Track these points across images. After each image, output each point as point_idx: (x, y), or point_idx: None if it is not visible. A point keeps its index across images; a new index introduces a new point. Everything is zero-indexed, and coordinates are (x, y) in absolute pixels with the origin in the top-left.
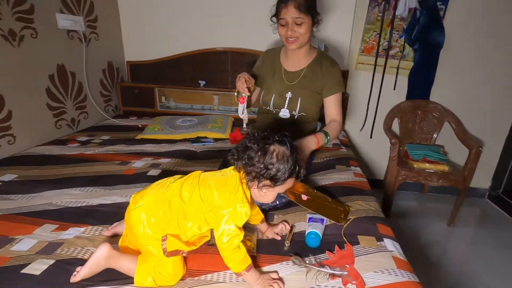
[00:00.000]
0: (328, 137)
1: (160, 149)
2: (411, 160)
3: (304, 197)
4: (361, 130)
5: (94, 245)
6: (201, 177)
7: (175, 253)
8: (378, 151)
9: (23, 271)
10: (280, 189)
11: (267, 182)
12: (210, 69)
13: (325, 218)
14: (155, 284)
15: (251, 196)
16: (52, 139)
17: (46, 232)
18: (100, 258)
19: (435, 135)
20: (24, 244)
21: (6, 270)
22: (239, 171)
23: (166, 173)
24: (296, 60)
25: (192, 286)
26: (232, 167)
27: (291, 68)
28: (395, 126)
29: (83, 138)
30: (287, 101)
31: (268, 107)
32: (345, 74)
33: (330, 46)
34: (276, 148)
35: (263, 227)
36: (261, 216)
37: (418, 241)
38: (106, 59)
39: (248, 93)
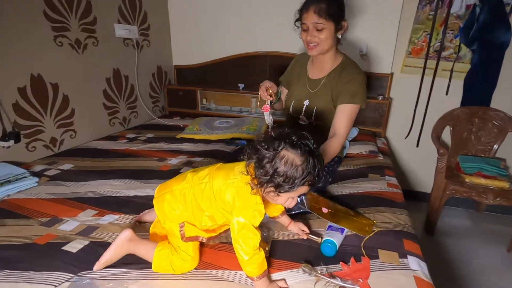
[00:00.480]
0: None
1: (195, 148)
2: (463, 174)
3: (325, 210)
4: (406, 138)
5: None
6: (215, 175)
7: (194, 238)
8: (425, 161)
9: (63, 247)
10: (291, 195)
11: (272, 189)
12: (250, 72)
13: (345, 229)
14: (172, 270)
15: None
16: (105, 135)
17: (87, 216)
18: (123, 240)
19: (495, 147)
20: (69, 225)
21: (51, 245)
22: (248, 173)
23: None
24: (320, 67)
25: (200, 278)
26: (243, 166)
27: (314, 75)
28: (446, 135)
29: (131, 135)
30: (303, 109)
31: (289, 111)
32: (386, 79)
33: (373, 48)
34: (286, 154)
35: (285, 220)
36: (280, 208)
37: (469, 265)
38: (156, 63)
39: (270, 99)
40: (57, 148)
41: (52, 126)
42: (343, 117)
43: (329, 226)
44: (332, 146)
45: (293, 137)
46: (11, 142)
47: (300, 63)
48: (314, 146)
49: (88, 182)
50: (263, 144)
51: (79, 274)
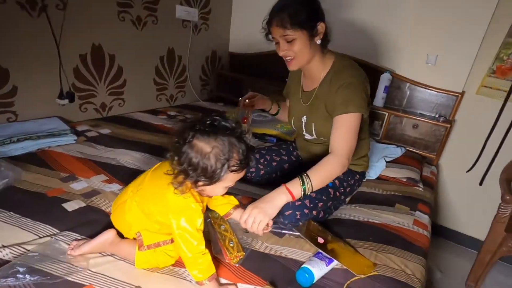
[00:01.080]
0: (305, 186)
1: None
2: None
3: (321, 240)
4: (468, 171)
5: None
6: (149, 178)
7: (156, 245)
8: (483, 204)
9: (63, 204)
10: (222, 184)
11: (200, 183)
12: None
13: (335, 261)
14: (157, 265)
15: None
16: (150, 108)
17: (97, 181)
18: (104, 242)
19: None
20: (79, 184)
21: (56, 200)
22: (173, 172)
23: None
24: (310, 78)
25: (167, 273)
26: (168, 167)
27: (307, 87)
28: None
29: (172, 113)
30: (303, 126)
31: (293, 128)
32: (453, 98)
33: (444, 58)
34: (195, 143)
35: (238, 215)
36: (231, 203)
37: None
38: (211, 47)
39: (250, 109)
40: (106, 113)
41: (104, 93)
42: (336, 131)
43: (318, 253)
44: (328, 165)
45: (205, 122)
46: (66, 101)
47: (294, 74)
48: (232, 125)
49: (114, 149)
50: (176, 138)
51: (61, 233)
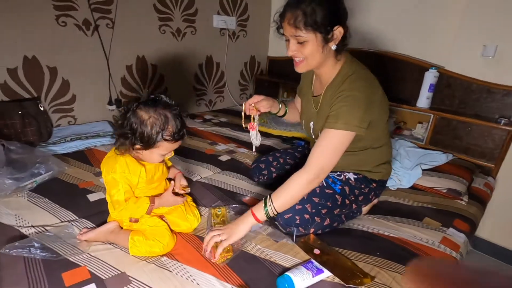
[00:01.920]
0: (267, 208)
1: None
2: None
3: (317, 251)
4: None
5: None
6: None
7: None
8: None
9: (88, 195)
10: (158, 151)
11: (138, 146)
12: None
13: (325, 271)
14: (149, 253)
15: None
16: (189, 113)
17: None
18: (106, 231)
19: None
20: None
21: (84, 191)
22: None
23: (231, 163)
24: (320, 82)
25: (159, 266)
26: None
27: (317, 91)
28: None
29: (208, 117)
30: (311, 131)
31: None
32: None
33: (506, 50)
34: (137, 112)
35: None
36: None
37: None
38: (250, 53)
39: (255, 113)
40: None
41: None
42: (316, 144)
43: (308, 262)
44: (293, 184)
45: (148, 96)
46: (114, 106)
47: (307, 75)
48: (172, 103)
49: None
50: (122, 108)
51: (78, 220)
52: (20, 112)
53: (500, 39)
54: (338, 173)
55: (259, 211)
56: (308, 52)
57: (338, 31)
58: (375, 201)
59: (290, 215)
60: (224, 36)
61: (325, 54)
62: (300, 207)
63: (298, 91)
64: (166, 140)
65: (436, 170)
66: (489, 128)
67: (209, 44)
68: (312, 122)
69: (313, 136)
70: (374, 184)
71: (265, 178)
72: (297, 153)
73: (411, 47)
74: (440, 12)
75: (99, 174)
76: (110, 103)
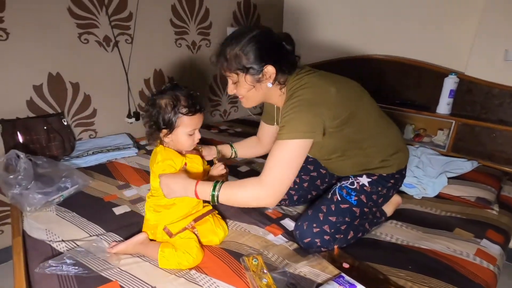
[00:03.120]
0: (215, 193)
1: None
2: None
3: (346, 265)
4: None
5: None
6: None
7: (182, 230)
8: None
9: (113, 208)
10: (183, 130)
11: (164, 132)
12: (361, 77)
13: (359, 286)
14: (178, 265)
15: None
16: (204, 124)
17: (145, 189)
18: (135, 242)
19: None
20: (130, 191)
21: (109, 204)
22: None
23: (250, 173)
24: (279, 108)
25: (189, 280)
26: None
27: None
28: None
29: (223, 127)
30: None
31: None
32: None
33: None
34: (155, 100)
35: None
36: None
37: None
38: None
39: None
40: None
41: None
42: (269, 158)
43: (339, 277)
44: (246, 189)
45: (162, 87)
46: (133, 119)
47: (269, 104)
48: (181, 86)
49: None
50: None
51: (106, 233)
52: (45, 128)
53: None
54: (351, 180)
55: (204, 190)
56: (243, 91)
57: (268, 70)
58: (399, 200)
59: (309, 239)
60: None
61: (263, 91)
62: (318, 230)
63: (263, 118)
64: (182, 113)
65: (462, 178)
66: None
67: None
68: None
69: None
70: (392, 181)
71: (286, 202)
72: (309, 166)
73: (426, 53)
74: (456, 17)
75: (122, 187)
76: (129, 116)
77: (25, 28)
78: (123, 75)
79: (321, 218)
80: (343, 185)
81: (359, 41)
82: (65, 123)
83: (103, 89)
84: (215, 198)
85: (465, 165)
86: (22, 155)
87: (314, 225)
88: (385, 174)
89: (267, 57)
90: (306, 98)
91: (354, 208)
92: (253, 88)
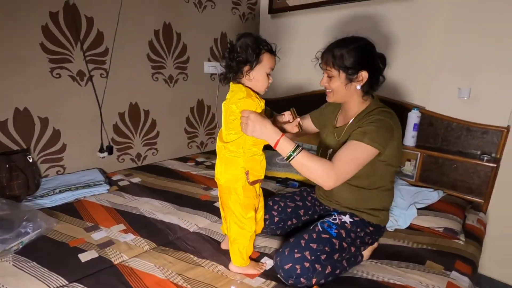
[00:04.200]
0: (293, 154)
1: None
2: None
3: None
4: None
5: (129, 254)
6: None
7: (256, 181)
8: None
9: (79, 254)
10: (263, 68)
11: (246, 68)
12: None
13: None
14: (245, 255)
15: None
16: (181, 155)
17: (116, 231)
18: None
19: None
20: (99, 234)
21: (75, 249)
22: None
23: None
24: (345, 115)
25: None
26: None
27: (340, 122)
28: None
29: (200, 159)
30: (327, 157)
31: None
32: (497, 133)
33: (480, 92)
34: (233, 46)
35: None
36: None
37: None
38: None
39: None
40: (141, 162)
41: (139, 144)
42: (341, 152)
43: None
44: (322, 167)
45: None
46: (105, 154)
47: (332, 108)
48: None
49: (139, 198)
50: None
51: (68, 285)
52: (7, 166)
53: (473, 82)
54: (334, 217)
55: (285, 146)
56: (334, 85)
57: (362, 75)
58: (375, 245)
59: (290, 265)
60: (214, 81)
61: (350, 91)
62: (299, 255)
63: (314, 119)
64: (265, 50)
65: (430, 209)
66: (474, 164)
67: (200, 88)
68: (331, 150)
69: None
70: (371, 228)
71: (266, 223)
72: (296, 196)
73: (389, 89)
74: (419, 54)
75: (90, 229)
76: (101, 150)
77: None
78: (96, 109)
79: (303, 244)
80: (325, 220)
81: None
82: (30, 160)
83: (74, 123)
84: (291, 158)
85: (432, 195)
86: None
87: (296, 250)
88: (367, 221)
89: (365, 64)
90: (389, 122)
91: (333, 240)
92: (344, 85)
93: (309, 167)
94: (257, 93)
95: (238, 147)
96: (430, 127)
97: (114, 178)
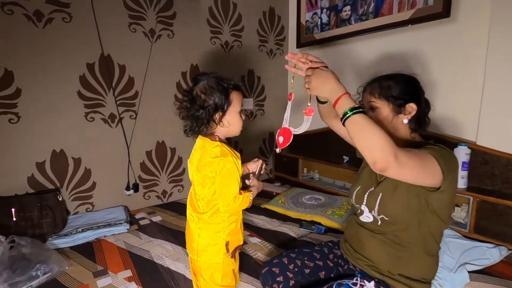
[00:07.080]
0: (350, 113)
1: (265, 225)
2: None
3: None
4: None
5: None
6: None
7: (236, 249)
8: None
9: None
10: (234, 109)
11: (216, 115)
12: None
13: None
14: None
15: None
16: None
17: (121, 277)
18: None
19: None
20: (104, 281)
21: None
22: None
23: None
24: None
25: None
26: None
27: None
28: None
29: None
30: (365, 197)
31: (351, 201)
32: None
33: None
34: (195, 94)
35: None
36: None
37: None
38: (268, 129)
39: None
40: (166, 199)
41: (166, 181)
42: (413, 151)
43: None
44: (385, 140)
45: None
46: (131, 191)
47: None
48: (204, 73)
49: (154, 240)
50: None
51: None
52: (39, 204)
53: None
54: (355, 280)
55: (348, 102)
56: (380, 116)
57: (410, 107)
58: None
59: None
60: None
61: (395, 124)
62: None
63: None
64: (233, 88)
65: (487, 272)
66: None
67: None
68: (372, 188)
69: (364, 204)
70: None
71: (280, 286)
72: (315, 253)
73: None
74: (464, 79)
75: (98, 274)
76: (127, 188)
77: (36, 112)
78: (124, 148)
79: None
80: (343, 282)
81: None
82: (60, 199)
83: (104, 162)
84: (348, 116)
85: (491, 253)
86: (2, 238)
87: None
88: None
89: (413, 96)
90: (450, 151)
91: None
92: (389, 116)
93: (370, 128)
94: (229, 143)
95: (217, 217)
96: (484, 165)
97: (137, 216)
